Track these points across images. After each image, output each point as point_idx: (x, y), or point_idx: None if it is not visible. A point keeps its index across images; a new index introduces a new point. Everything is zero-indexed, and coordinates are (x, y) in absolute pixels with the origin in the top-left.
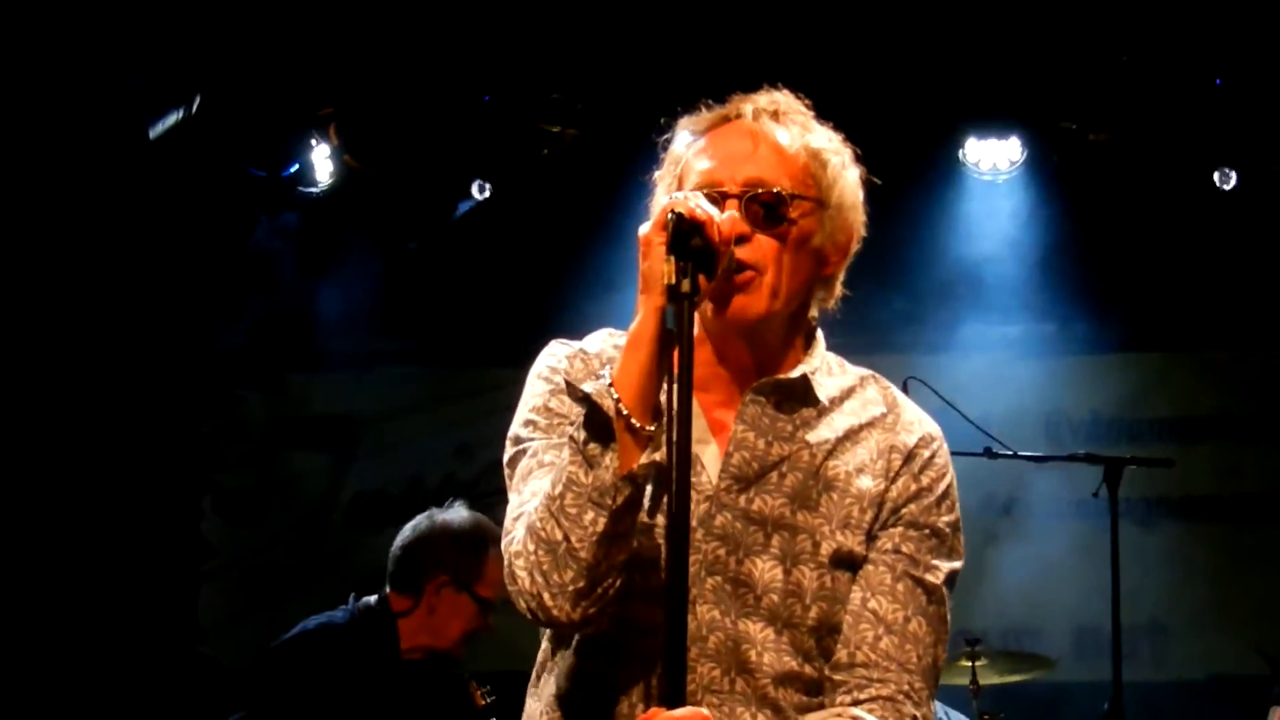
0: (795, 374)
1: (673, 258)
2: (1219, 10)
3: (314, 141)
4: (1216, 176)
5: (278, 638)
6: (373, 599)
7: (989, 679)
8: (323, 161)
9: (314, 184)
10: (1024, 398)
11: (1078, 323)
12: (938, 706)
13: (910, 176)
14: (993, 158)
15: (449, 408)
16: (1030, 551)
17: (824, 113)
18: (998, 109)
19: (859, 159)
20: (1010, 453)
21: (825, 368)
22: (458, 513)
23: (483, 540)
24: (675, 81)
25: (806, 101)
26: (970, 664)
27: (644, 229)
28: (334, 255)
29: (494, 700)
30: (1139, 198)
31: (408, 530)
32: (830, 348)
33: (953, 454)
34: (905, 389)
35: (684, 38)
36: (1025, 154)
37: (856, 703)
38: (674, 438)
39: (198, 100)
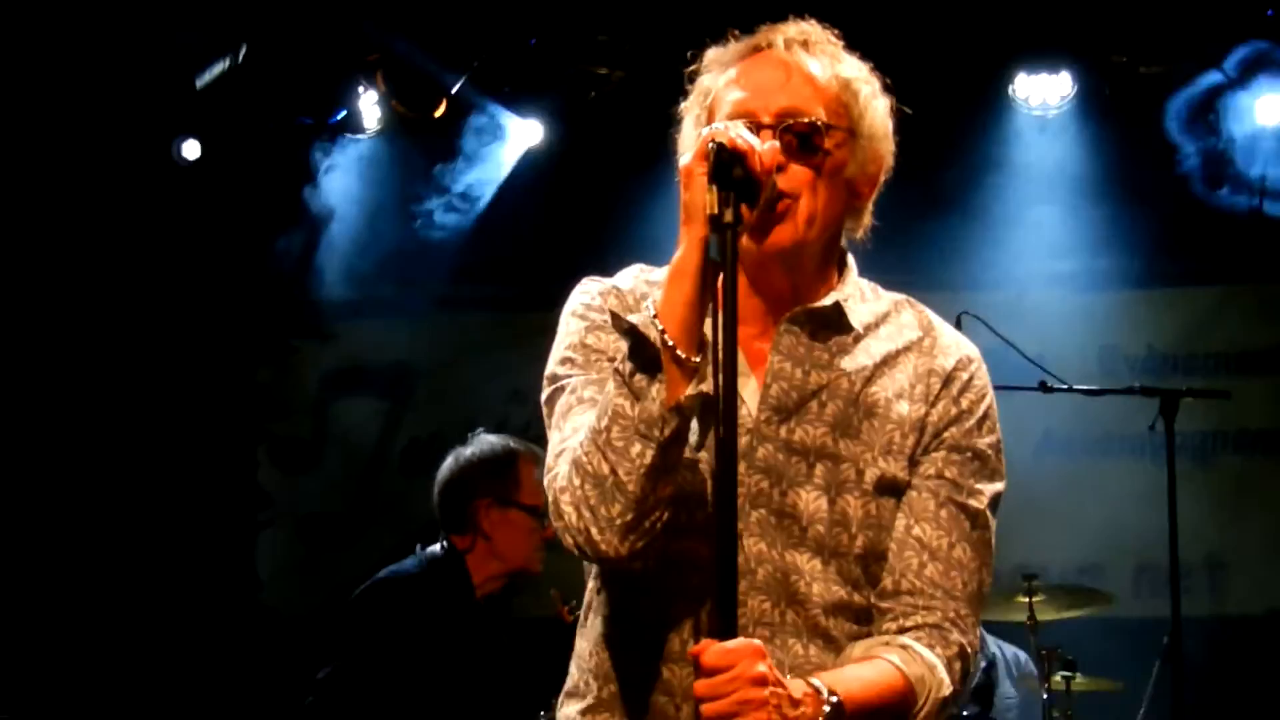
0: (828, 302)
1: (715, 187)
2: None
3: (361, 88)
4: (1261, 109)
5: (349, 591)
6: (437, 547)
7: (1046, 614)
8: (370, 108)
9: (361, 130)
10: (1079, 333)
11: (1131, 257)
12: (991, 641)
13: (962, 113)
14: (1043, 93)
15: (501, 353)
16: (1087, 486)
17: (876, 51)
18: (1048, 44)
19: (889, 89)
20: (1065, 386)
21: (858, 294)
22: (478, 441)
23: (509, 455)
24: (721, 20)
25: (835, 31)
26: (1028, 599)
27: (684, 159)
28: (383, 204)
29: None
30: (1189, 130)
31: (440, 474)
32: (884, 284)
33: (1007, 388)
34: (959, 324)
35: None
36: (1076, 88)
37: (903, 630)
38: (720, 367)
39: (244, 49)
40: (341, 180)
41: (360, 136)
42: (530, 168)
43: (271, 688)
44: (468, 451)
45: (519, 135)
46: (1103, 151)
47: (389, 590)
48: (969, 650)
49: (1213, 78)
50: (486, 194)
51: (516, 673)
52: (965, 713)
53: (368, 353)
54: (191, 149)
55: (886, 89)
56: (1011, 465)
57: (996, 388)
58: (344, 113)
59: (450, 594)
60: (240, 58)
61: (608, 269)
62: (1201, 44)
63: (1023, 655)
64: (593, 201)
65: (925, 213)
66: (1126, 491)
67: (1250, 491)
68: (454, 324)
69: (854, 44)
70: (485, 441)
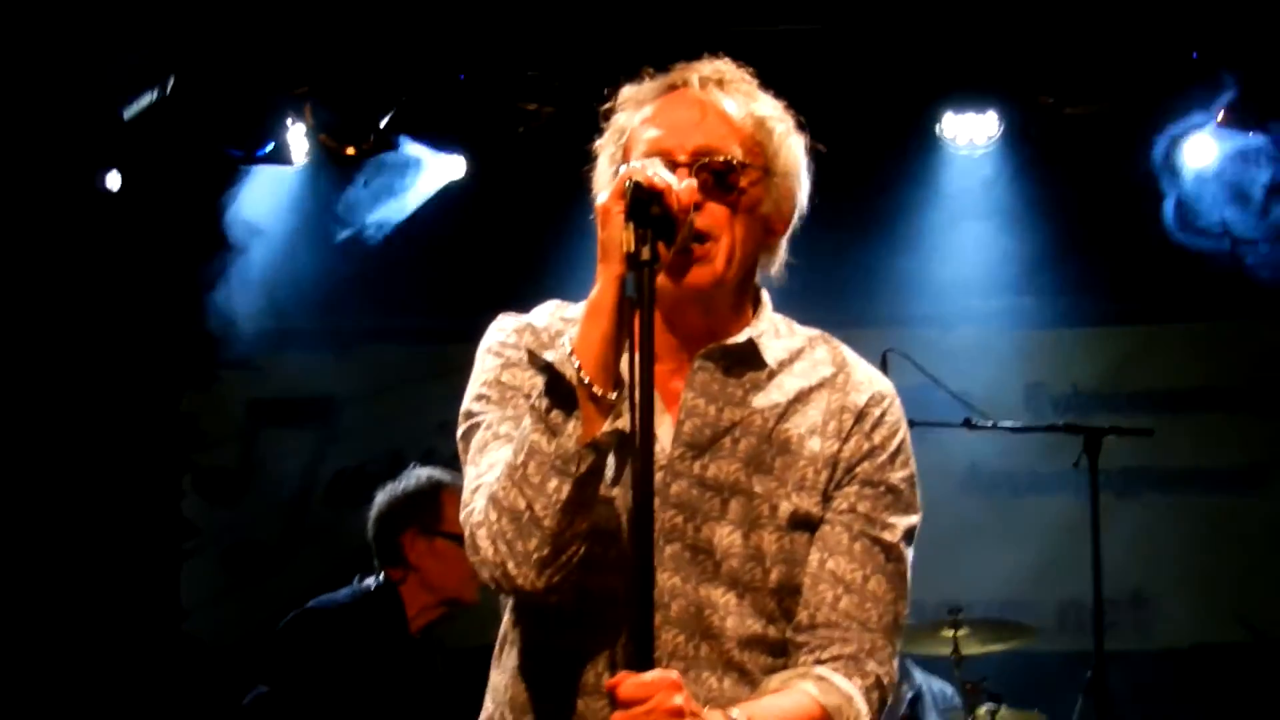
0: (742, 339)
1: (632, 225)
2: None
3: (289, 120)
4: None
5: (275, 620)
6: (372, 580)
7: (971, 649)
8: (298, 140)
9: (289, 162)
10: (1004, 370)
11: (1057, 296)
12: (918, 674)
13: (889, 151)
14: (970, 132)
15: (428, 384)
16: (1012, 522)
17: (798, 88)
18: (975, 83)
19: (803, 127)
20: (990, 424)
21: (773, 330)
22: (406, 475)
23: (434, 486)
24: (651, 58)
25: (749, 69)
26: (953, 633)
27: (601, 197)
28: (311, 235)
29: None
30: (1120, 170)
31: (371, 510)
32: (811, 321)
33: (932, 424)
34: (884, 361)
35: (660, 14)
36: (1003, 127)
37: (819, 662)
38: (636, 405)
39: (172, 81)
40: (268, 212)
41: (288, 168)
42: (457, 201)
43: (193, 717)
44: (395, 486)
45: (438, 169)
46: (1029, 191)
47: (317, 619)
48: (885, 680)
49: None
50: (395, 226)
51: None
52: None
53: (294, 383)
54: (114, 180)
55: (800, 127)
56: (937, 501)
57: (922, 424)
58: (271, 145)
59: (381, 625)
60: (169, 89)
61: (532, 302)
62: (1128, 86)
63: (949, 689)
64: (522, 235)
65: (852, 250)
66: (1051, 527)
67: (1173, 528)
68: (381, 355)
69: (779, 81)
70: (412, 475)
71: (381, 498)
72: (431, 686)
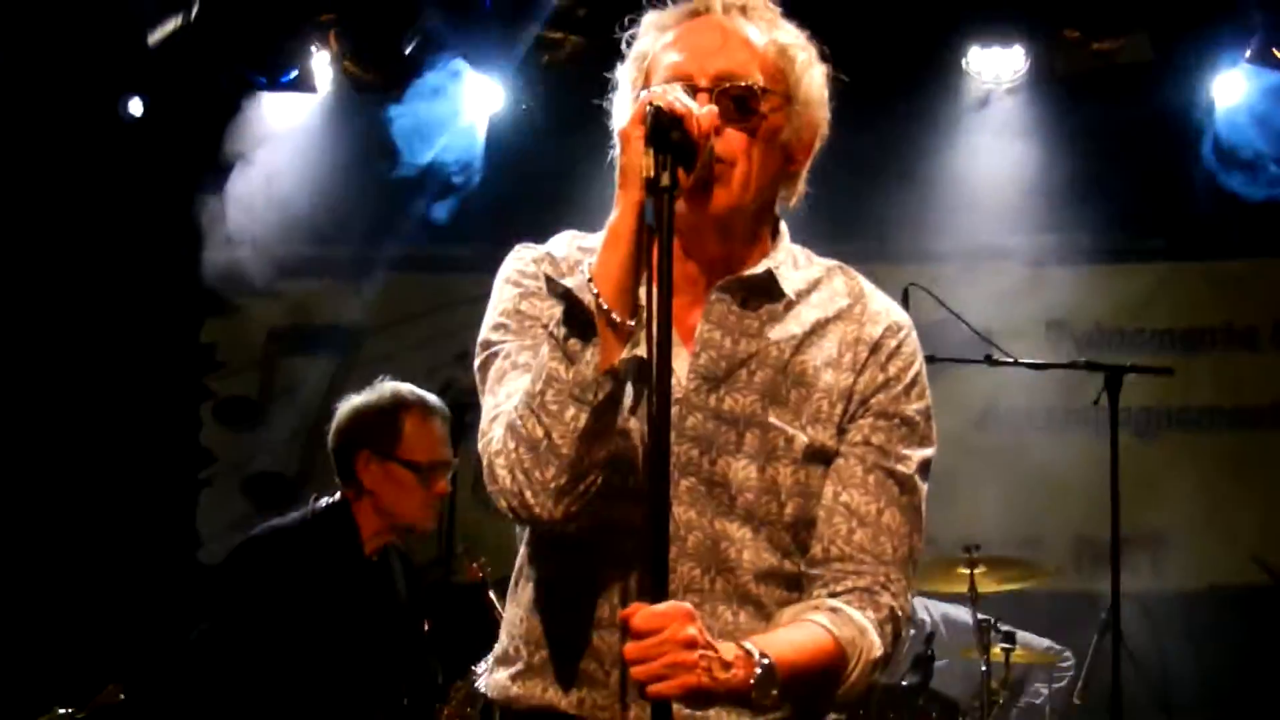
0: (759, 269)
1: (652, 151)
2: None
3: (313, 48)
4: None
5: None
6: (325, 500)
7: (987, 586)
8: (322, 68)
9: (313, 90)
10: (1026, 307)
11: (1080, 232)
12: (934, 605)
13: (914, 85)
14: (996, 66)
15: (448, 314)
16: (1030, 460)
17: (824, 20)
18: (1001, 17)
19: (826, 57)
20: (1011, 360)
21: (791, 261)
22: (370, 390)
23: (393, 406)
24: None
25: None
26: (969, 571)
27: (622, 122)
28: (334, 162)
29: (489, 573)
30: (1142, 107)
31: (331, 422)
32: (832, 255)
33: (953, 360)
34: (905, 296)
35: None
36: (1028, 63)
37: (834, 595)
38: (654, 331)
39: (195, 7)
40: (292, 139)
41: (311, 96)
42: (478, 130)
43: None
44: (356, 400)
45: (472, 99)
46: (1053, 127)
47: (260, 544)
48: (900, 613)
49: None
50: (440, 156)
51: (421, 634)
52: (905, 682)
53: (314, 311)
54: (136, 106)
55: (824, 56)
56: (955, 438)
57: (942, 360)
58: (295, 72)
59: (329, 547)
60: (193, 15)
61: (553, 232)
62: (1155, 21)
63: (965, 616)
64: (545, 165)
65: (875, 184)
66: (1069, 465)
67: (1192, 467)
68: (400, 284)
69: (807, 13)
70: (375, 390)
71: (341, 411)
72: (388, 611)
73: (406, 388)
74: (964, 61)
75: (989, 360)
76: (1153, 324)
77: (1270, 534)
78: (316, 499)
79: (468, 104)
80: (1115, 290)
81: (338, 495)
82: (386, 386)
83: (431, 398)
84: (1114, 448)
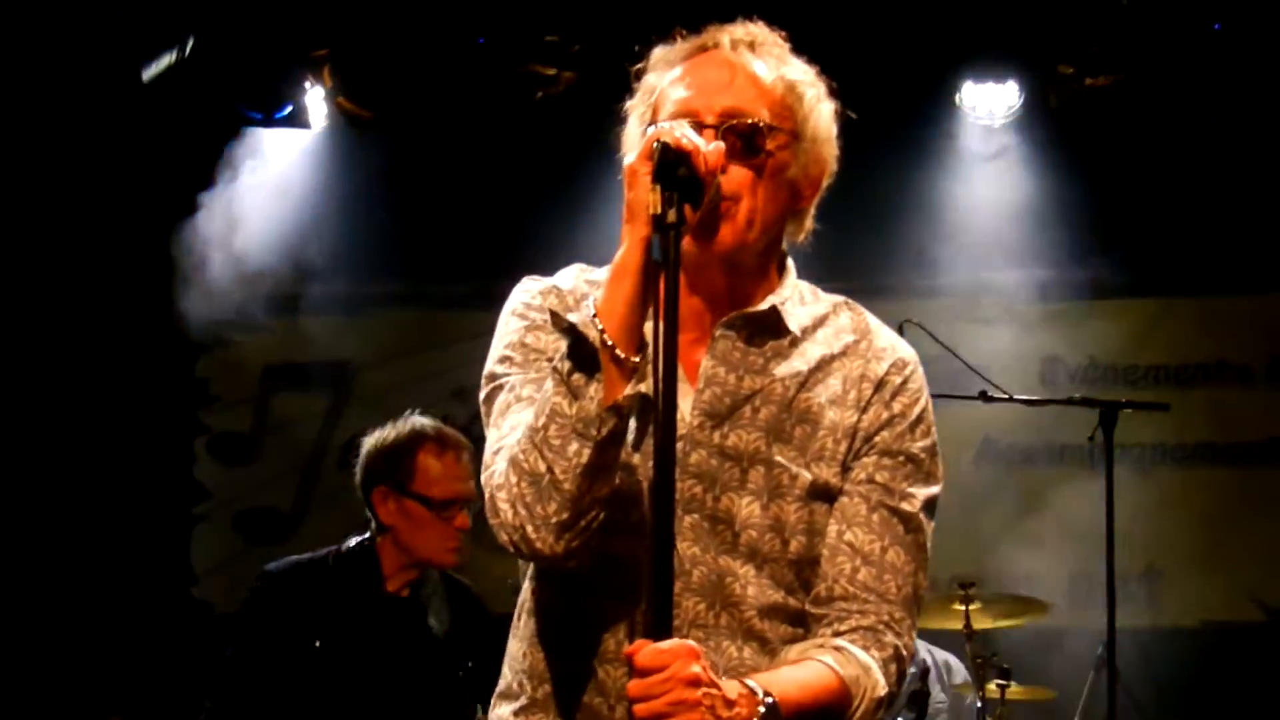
0: (764, 306)
1: (658, 187)
2: None
3: (308, 84)
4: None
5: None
6: (357, 536)
7: (982, 623)
8: (316, 104)
9: (307, 125)
10: (1021, 343)
11: (1075, 268)
12: (922, 648)
13: (908, 121)
14: (990, 102)
15: (444, 351)
16: (1026, 496)
17: (819, 55)
18: (995, 53)
19: (834, 93)
20: (1006, 396)
21: (797, 297)
22: (391, 424)
23: (409, 440)
24: (670, 22)
25: (782, 33)
26: (964, 608)
27: (629, 158)
28: (330, 198)
29: None
30: (1136, 142)
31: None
32: (826, 290)
33: (948, 397)
34: (900, 332)
35: None
36: (1022, 98)
37: (838, 634)
38: (659, 369)
39: (191, 42)
40: (287, 175)
41: (305, 132)
42: (475, 166)
43: (200, 682)
44: (375, 435)
45: (465, 136)
46: (1048, 162)
47: (280, 578)
48: (904, 652)
49: None
50: (434, 191)
51: (440, 669)
52: (900, 719)
53: (309, 347)
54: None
55: (832, 93)
56: (950, 474)
57: (937, 396)
58: (290, 108)
59: (351, 583)
60: (187, 51)
61: (553, 268)
62: (1148, 57)
63: (954, 661)
64: (540, 199)
65: (870, 219)
66: (1065, 502)
67: (1187, 503)
68: (396, 320)
69: (801, 48)
70: (394, 425)
71: (362, 446)
72: (412, 648)
73: (424, 422)
74: (958, 97)
75: (984, 396)
76: (1148, 360)
77: (1265, 571)
78: (348, 537)
79: (455, 142)
80: (1111, 326)
81: (366, 534)
82: (406, 421)
83: (450, 431)
84: (1109, 484)
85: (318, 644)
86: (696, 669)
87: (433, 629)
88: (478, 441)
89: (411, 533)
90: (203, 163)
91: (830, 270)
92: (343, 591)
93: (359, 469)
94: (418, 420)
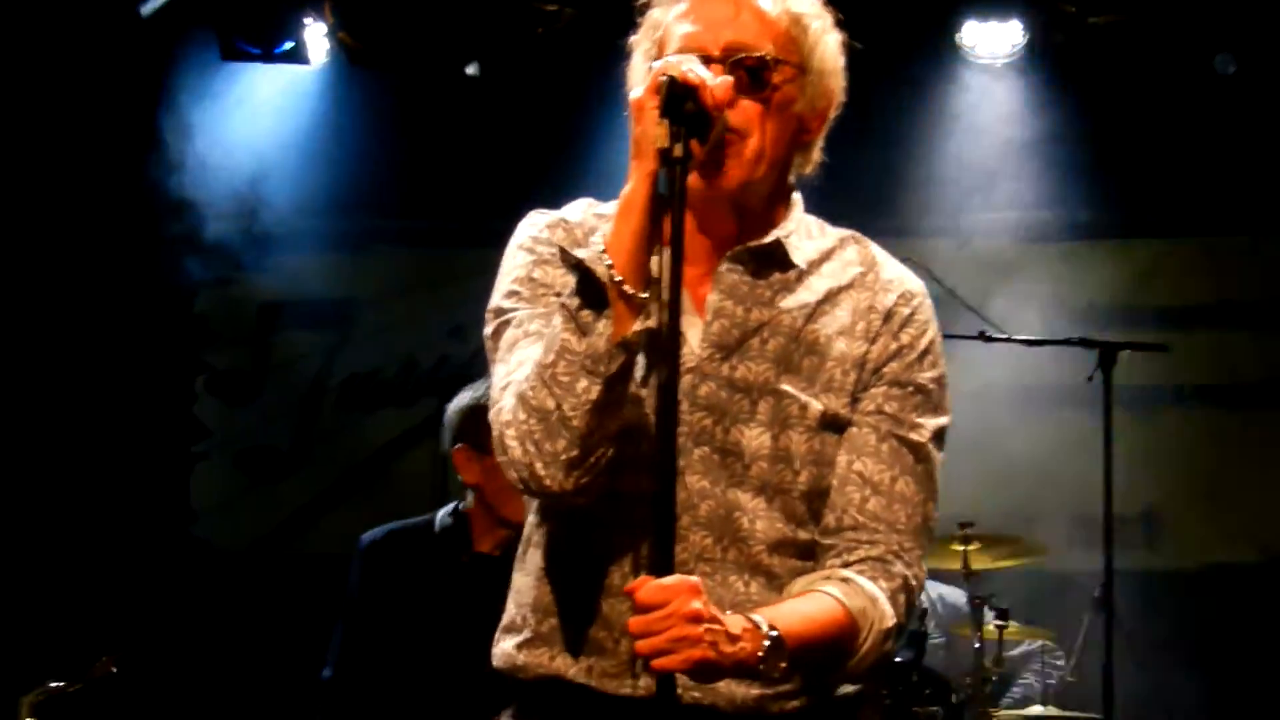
0: (769, 239)
1: (666, 121)
2: None
3: (308, 19)
4: (1217, 61)
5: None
6: (451, 504)
7: (981, 564)
8: (317, 40)
9: (307, 61)
10: (1020, 283)
11: (1076, 208)
12: (928, 584)
13: (908, 59)
14: (992, 41)
15: (443, 289)
16: (1024, 437)
17: None
18: None
19: (840, 24)
20: (1005, 336)
21: (803, 230)
22: (470, 387)
23: (487, 400)
24: None
25: None
26: (963, 548)
27: (635, 93)
28: (329, 135)
29: None
30: (1139, 82)
31: None
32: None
33: (947, 337)
34: None
35: None
36: (1026, 37)
37: (846, 565)
38: (665, 303)
39: None
40: (285, 111)
41: (305, 68)
42: (474, 103)
43: (199, 620)
44: (455, 400)
45: (467, 71)
46: (1049, 102)
47: (381, 546)
48: (913, 582)
49: None
50: (431, 129)
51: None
52: (899, 658)
53: (308, 286)
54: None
55: (838, 24)
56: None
57: None
58: (290, 43)
59: (445, 549)
60: None
61: (554, 204)
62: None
63: (961, 596)
64: (540, 138)
65: (869, 158)
66: (1064, 443)
67: (1187, 446)
68: (395, 259)
69: None
70: (471, 388)
71: (446, 411)
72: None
73: None
74: (959, 36)
75: (983, 337)
76: (1149, 301)
77: (1266, 512)
78: (443, 509)
79: (458, 77)
80: (1111, 267)
81: (461, 501)
82: (485, 383)
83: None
84: (1107, 425)
85: (416, 611)
86: (697, 604)
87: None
88: (478, 376)
89: (495, 491)
90: (199, 100)
91: (828, 209)
92: (436, 557)
93: (444, 433)
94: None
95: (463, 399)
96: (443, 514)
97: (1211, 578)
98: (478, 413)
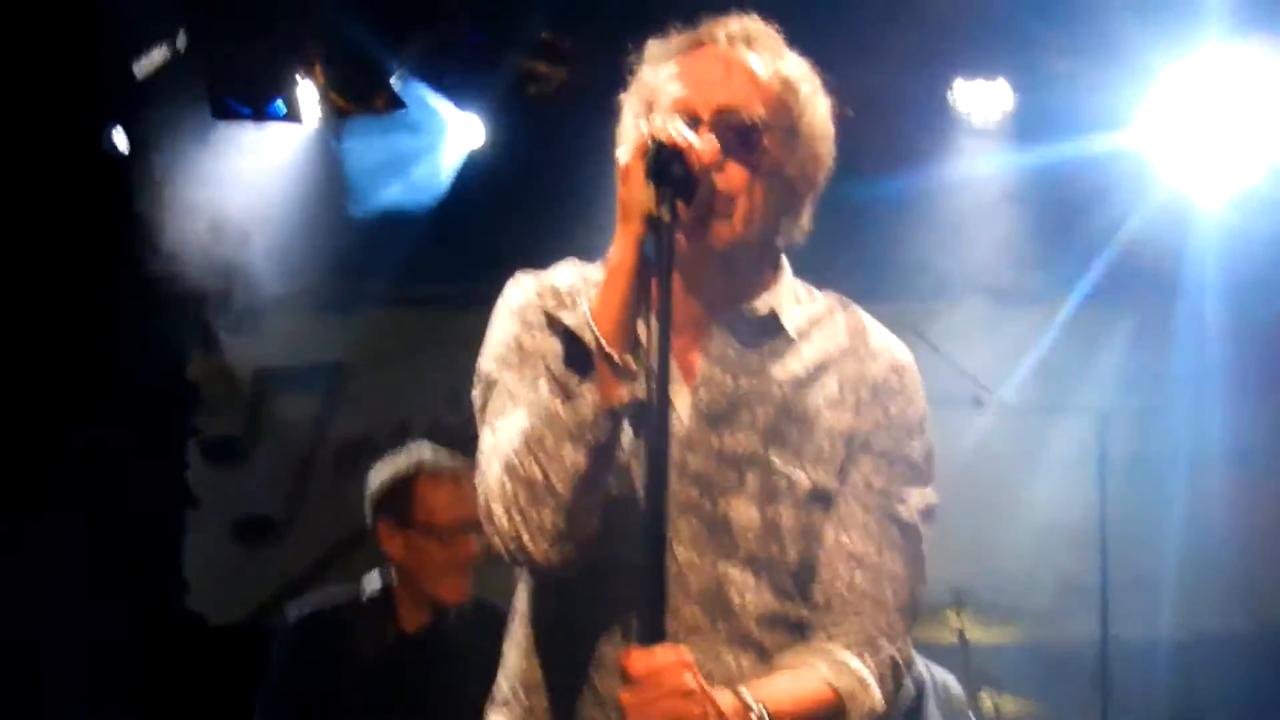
0: (761, 306)
1: (652, 184)
2: None
3: (299, 79)
4: None
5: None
6: (376, 577)
7: (975, 634)
8: (308, 99)
9: (298, 121)
10: (1012, 347)
11: (1067, 273)
12: (920, 663)
13: (902, 122)
14: (984, 103)
15: (436, 353)
16: (1019, 504)
17: (815, 52)
18: (989, 54)
19: (831, 90)
20: (998, 401)
21: (793, 296)
22: (390, 457)
23: (412, 470)
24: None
25: (777, 27)
26: (957, 617)
27: (623, 155)
28: (320, 196)
29: None
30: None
31: None
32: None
33: (942, 401)
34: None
35: None
36: (1017, 99)
37: (834, 640)
38: (654, 371)
39: (183, 37)
40: (276, 172)
41: (297, 127)
42: (466, 165)
43: (190, 692)
44: (374, 471)
45: (459, 133)
46: (1041, 166)
47: (304, 626)
48: (900, 660)
49: None
50: (428, 192)
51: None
52: None
53: (300, 349)
54: (121, 139)
55: (829, 89)
56: (943, 481)
57: (929, 402)
58: (281, 103)
59: (369, 628)
60: (180, 46)
61: (544, 265)
62: (1144, 57)
63: (951, 679)
64: (532, 199)
65: (861, 222)
66: (1058, 510)
67: (1183, 512)
68: (390, 322)
69: (796, 44)
70: (391, 459)
71: (367, 484)
72: (431, 688)
73: (420, 448)
74: (951, 97)
75: (976, 402)
76: (1142, 365)
77: (1258, 581)
78: (370, 574)
79: (449, 138)
80: (1103, 331)
81: (385, 571)
82: (403, 452)
83: (445, 455)
84: (1103, 492)
85: (340, 692)
86: (689, 679)
87: (456, 663)
88: (471, 445)
89: (418, 566)
90: (189, 159)
91: (821, 273)
92: (360, 639)
93: (365, 506)
94: (415, 449)
95: (382, 471)
96: (371, 580)
97: (1208, 646)
98: (398, 485)
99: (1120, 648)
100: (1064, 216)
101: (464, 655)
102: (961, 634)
